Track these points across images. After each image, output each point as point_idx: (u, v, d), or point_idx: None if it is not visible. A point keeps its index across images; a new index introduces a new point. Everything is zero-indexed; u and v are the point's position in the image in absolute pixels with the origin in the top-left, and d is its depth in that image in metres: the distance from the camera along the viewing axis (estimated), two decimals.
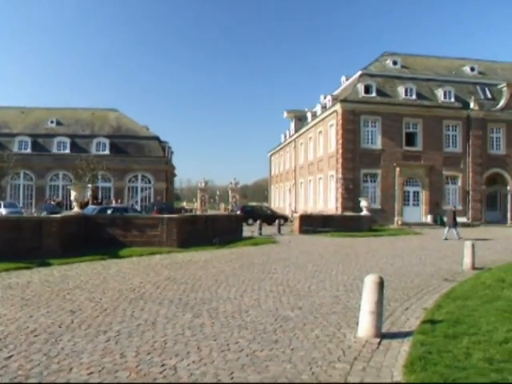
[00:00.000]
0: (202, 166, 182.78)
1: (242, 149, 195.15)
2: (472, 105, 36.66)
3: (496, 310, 7.13)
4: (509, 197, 37.21)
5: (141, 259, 13.99)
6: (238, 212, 32.31)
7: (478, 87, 38.90)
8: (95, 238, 16.40)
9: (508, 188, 37.16)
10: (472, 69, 40.84)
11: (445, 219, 27.06)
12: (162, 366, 4.77)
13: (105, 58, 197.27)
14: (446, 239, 22.32)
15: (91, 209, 24.30)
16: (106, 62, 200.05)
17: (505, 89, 37.66)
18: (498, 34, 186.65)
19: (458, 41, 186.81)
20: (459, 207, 35.75)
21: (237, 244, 18.89)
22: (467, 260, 12.58)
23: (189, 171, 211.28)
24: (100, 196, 41.40)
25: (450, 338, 5.60)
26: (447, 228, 23.61)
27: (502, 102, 37.45)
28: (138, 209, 38.65)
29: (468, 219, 35.47)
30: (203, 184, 63.74)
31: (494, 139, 37.29)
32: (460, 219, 34.69)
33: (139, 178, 45.03)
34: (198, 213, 48.96)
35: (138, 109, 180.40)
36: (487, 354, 5.01)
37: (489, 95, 38.30)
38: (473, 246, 12.59)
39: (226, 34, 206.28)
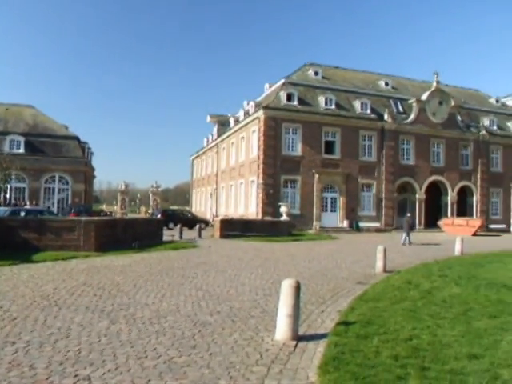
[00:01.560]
0: (123, 169, 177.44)
1: (164, 152, 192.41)
2: (386, 117, 38.90)
3: (403, 310, 7.64)
4: (417, 204, 39.91)
5: (56, 264, 13.33)
6: (159, 216, 31.79)
7: (391, 101, 41.40)
8: (6, 241, 15.49)
9: (416, 196, 39.89)
10: (386, 83, 43.47)
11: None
12: (76, 376, 4.59)
13: (25, 52, 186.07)
14: (404, 244, 23.51)
15: (2, 211, 23.02)
16: (25, 56, 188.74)
17: (414, 104, 40.44)
18: (409, 54, 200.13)
19: (374, 56, 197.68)
20: (373, 213, 37.75)
21: (157, 248, 18.57)
22: (379, 263, 13.28)
23: (109, 173, 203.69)
24: (13, 197, 38.85)
25: (361, 338, 5.92)
26: (405, 234, 24.79)
27: (412, 116, 40.22)
28: (55, 211, 36.85)
29: (381, 225, 37.51)
30: (124, 186, 61.74)
31: (405, 150, 39.92)
32: (373, 224, 36.80)
33: (56, 178, 42.62)
34: (118, 216, 47.41)
35: (57, 108, 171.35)
36: (394, 351, 5.39)
37: (401, 109, 40.93)
38: (384, 251, 13.33)
39: (154, 30, 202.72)
